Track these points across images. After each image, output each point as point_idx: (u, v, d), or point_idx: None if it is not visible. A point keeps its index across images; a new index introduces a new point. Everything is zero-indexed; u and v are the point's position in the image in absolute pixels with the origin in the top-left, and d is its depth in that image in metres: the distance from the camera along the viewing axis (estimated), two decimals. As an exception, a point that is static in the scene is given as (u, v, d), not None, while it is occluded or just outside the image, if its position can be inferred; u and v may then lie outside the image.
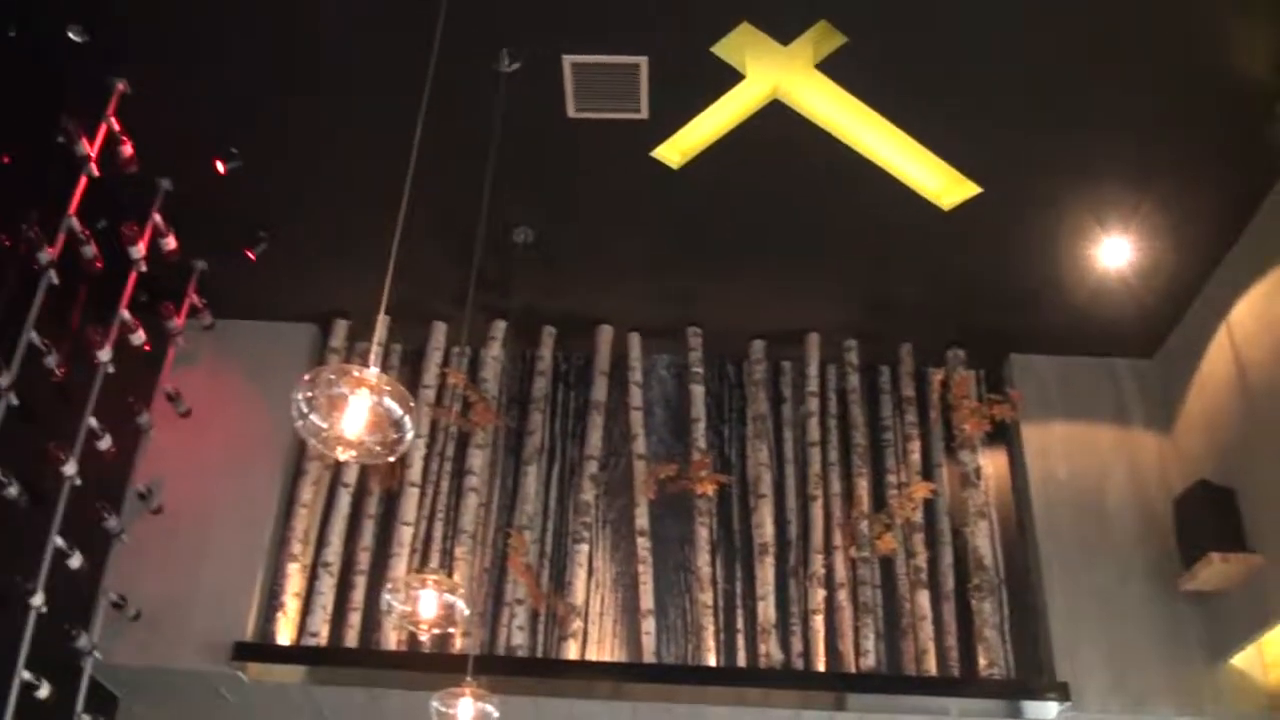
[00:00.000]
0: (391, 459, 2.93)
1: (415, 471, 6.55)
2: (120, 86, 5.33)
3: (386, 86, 5.14)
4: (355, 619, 6.26)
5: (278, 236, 6.21)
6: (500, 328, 6.88)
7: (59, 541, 5.33)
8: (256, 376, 6.76)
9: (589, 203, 5.96)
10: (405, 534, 6.42)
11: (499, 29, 4.91)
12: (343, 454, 2.85)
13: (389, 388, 2.75)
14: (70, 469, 5.38)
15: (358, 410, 2.74)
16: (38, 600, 5.13)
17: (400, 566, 6.32)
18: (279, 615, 6.16)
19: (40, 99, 5.36)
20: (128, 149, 5.41)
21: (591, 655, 6.30)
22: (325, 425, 2.76)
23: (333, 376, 2.75)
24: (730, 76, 5.09)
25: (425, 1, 4.31)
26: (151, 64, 5.26)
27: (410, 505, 6.49)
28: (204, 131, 5.61)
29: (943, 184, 5.63)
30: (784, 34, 4.87)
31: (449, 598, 4.24)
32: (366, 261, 6.18)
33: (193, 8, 4.95)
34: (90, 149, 5.22)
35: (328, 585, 6.30)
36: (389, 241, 5.86)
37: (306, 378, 2.71)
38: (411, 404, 2.77)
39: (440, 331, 6.95)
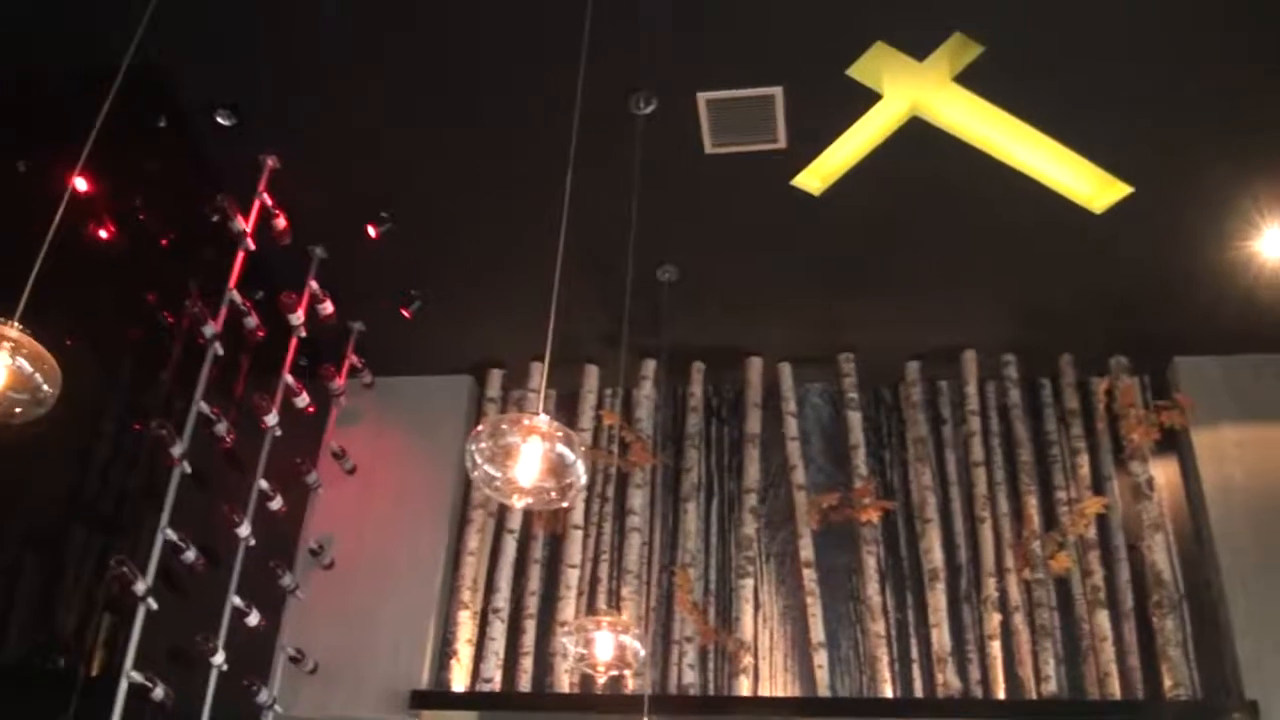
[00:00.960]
0: (565, 504, 2.95)
1: (578, 514, 6.59)
2: (270, 162, 5.56)
3: (527, 139, 5.26)
4: (527, 663, 6.31)
5: (430, 293, 6.37)
6: (650, 366, 6.92)
7: (237, 601, 5.52)
8: (417, 430, 6.92)
9: (732, 236, 5.96)
10: (572, 576, 6.46)
11: (633, 74, 4.96)
12: (518, 501, 2.88)
13: (560, 433, 2.78)
14: (244, 530, 5.58)
15: (531, 457, 2.78)
16: (219, 658, 5.31)
17: (568, 609, 6.37)
18: (453, 662, 6.25)
19: (194, 181, 5.61)
20: (281, 221, 5.63)
21: (764, 691, 6.22)
22: (499, 474, 2.80)
23: (504, 425, 2.79)
24: (867, 97, 5.03)
25: (563, 53, 4.38)
26: (299, 138, 5.46)
27: (575, 548, 6.53)
28: (353, 198, 5.80)
29: (1093, 187, 5.46)
30: (919, 50, 4.80)
31: (624, 638, 4.24)
32: (518, 311, 6.40)
33: (334, 82, 5.13)
34: (246, 224, 5.44)
35: (499, 631, 6.37)
36: (538, 291, 5.99)
37: (480, 428, 2.76)
38: (583, 447, 2.79)
39: (592, 375, 7.02)
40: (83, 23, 4.92)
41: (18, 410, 2.81)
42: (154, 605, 4.84)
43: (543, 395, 3.19)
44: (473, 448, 2.76)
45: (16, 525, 6.59)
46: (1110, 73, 4.86)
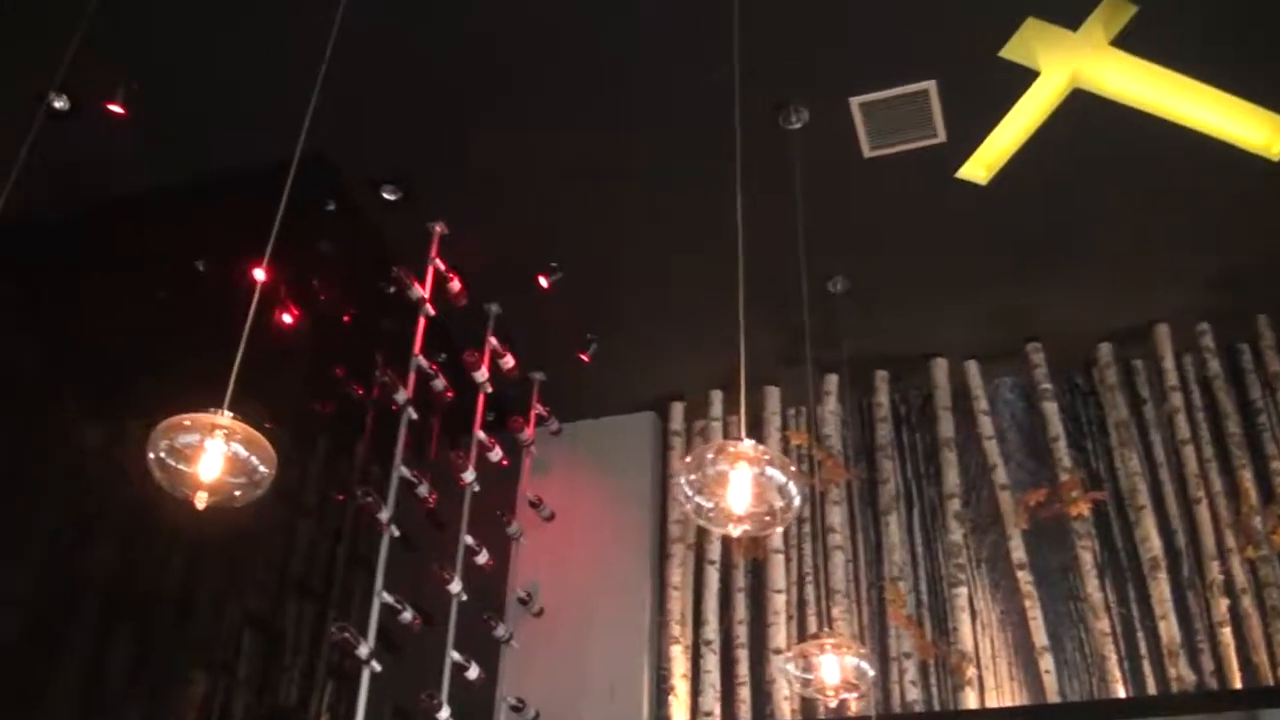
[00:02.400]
0: (780, 527, 2.90)
1: (777, 538, 6.50)
2: (438, 229, 5.75)
3: (684, 171, 5.29)
4: (745, 693, 6.23)
5: (606, 335, 6.44)
6: (832, 381, 6.80)
7: (456, 656, 5.63)
8: (607, 470, 6.97)
9: (901, 238, 5.84)
10: (778, 601, 6.37)
11: (782, 89, 4.93)
12: (735, 529, 2.84)
13: (767, 456, 2.74)
14: (455, 586, 5.69)
15: (741, 484, 2.74)
16: (444, 714, 5.40)
17: (779, 635, 6.27)
18: (670, 698, 6.23)
19: (367, 256, 5.81)
20: (456, 284, 5.80)
21: (991, 702, 5.99)
22: (711, 504, 2.77)
23: (711, 455, 2.77)
24: (1024, 77, 4.88)
25: (711, 79, 4.38)
26: (462, 202, 5.62)
27: (778, 572, 6.44)
28: (521, 251, 5.91)
29: (1268, 133, 5.13)
30: (1071, 19, 4.64)
31: (850, 659, 4.15)
32: (692, 342, 6.44)
33: (489, 144, 5.27)
34: (423, 291, 5.60)
35: (712, 663, 6.32)
36: (710, 320, 6.00)
37: (687, 460, 2.74)
38: (793, 468, 2.74)
39: (773, 396, 6.95)
40: (244, 122, 5.16)
41: (237, 494, 2.91)
42: (377, 667, 4.95)
43: (743, 420, 3.14)
44: (682, 480, 2.74)
45: (235, 604, 6.89)
46: (1269, 8, 4.58)
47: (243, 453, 2.80)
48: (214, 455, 2.80)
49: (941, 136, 5.18)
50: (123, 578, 7.09)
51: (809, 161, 5.09)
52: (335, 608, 6.51)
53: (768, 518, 2.82)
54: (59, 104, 4.99)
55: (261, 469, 2.84)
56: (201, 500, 2.82)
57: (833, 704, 5.52)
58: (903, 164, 5.31)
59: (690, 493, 2.76)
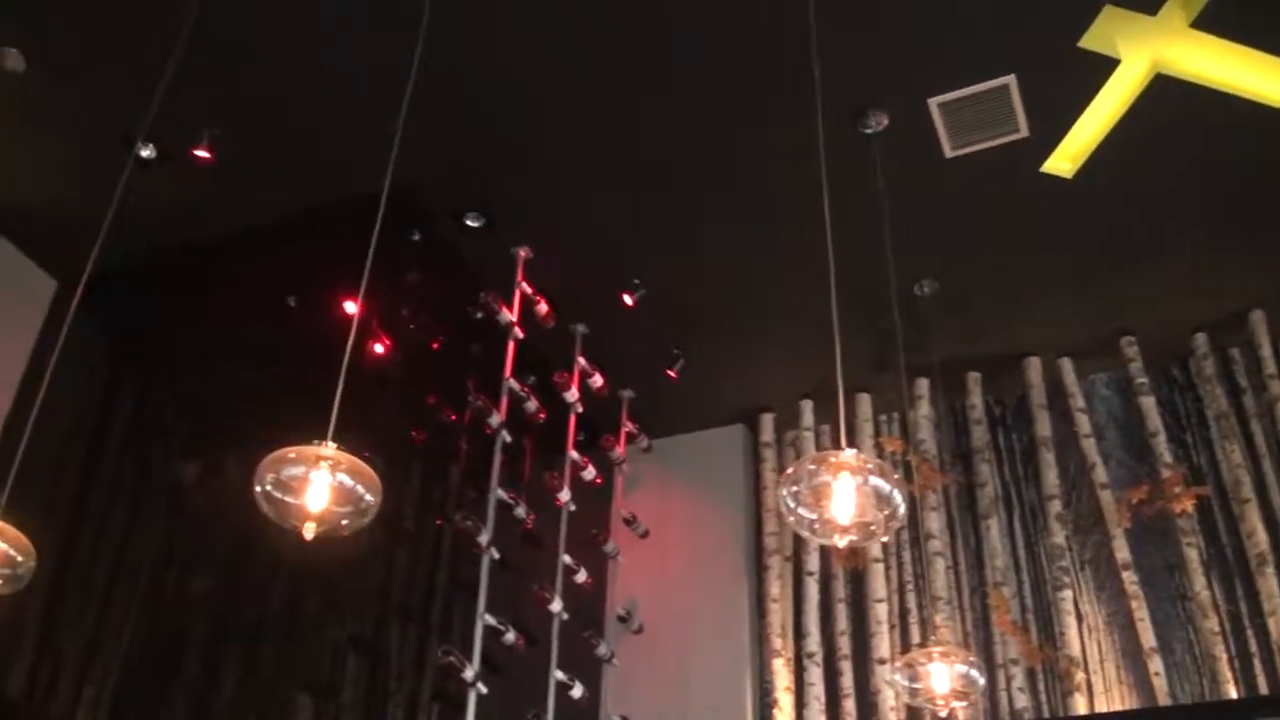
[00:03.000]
0: (885, 537, 2.87)
1: (877, 547, 6.43)
2: (523, 253, 5.81)
3: (765, 184, 5.28)
4: (850, 705, 6.16)
5: (692, 349, 6.44)
6: (924, 385, 6.72)
7: (560, 675, 5.65)
8: (700, 485, 6.97)
9: (987, 237, 5.75)
10: (880, 611, 6.30)
11: (859, 96, 4.91)
12: (841, 540, 2.81)
13: (870, 465, 2.71)
14: (556, 606, 5.72)
15: (845, 494, 2.71)
16: (552, 733, 5.44)
17: (882, 645, 6.20)
18: (774, 712, 6.18)
19: (454, 283, 5.90)
20: (543, 307, 5.86)
21: (1100, 707, 5.84)
22: (815, 516, 2.75)
23: (812, 466, 2.75)
24: (1104, 66, 4.79)
25: (791, 91, 4.39)
26: (544, 225, 5.69)
27: (878, 581, 6.37)
28: (605, 270, 5.95)
29: (1359, 104, 5.00)
30: (1150, 4, 4.55)
31: (959, 667, 4.08)
32: (780, 353, 6.42)
33: (569, 167, 5.32)
34: (511, 315, 5.66)
35: (816, 675, 6.25)
36: (798, 330, 5.97)
37: (789, 472, 2.72)
38: (897, 476, 2.71)
39: (865, 403, 6.88)
40: (325, 161, 5.28)
41: (344, 523, 2.96)
42: (484, 689, 4.98)
43: (843, 429, 3.11)
44: (784, 493, 2.73)
45: (338, 630, 7.00)
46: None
47: (348, 482, 2.85)
48: (320, 486, 2.84)
49: (1024, 131, 5.10)
50: (227, 607, 7.26)
51: (890, 165, 5.05)
52: (437, 631, 6.59)
53: (874, 528, 2.79)
54: (146, 153, 5.14)
55: (367, 497, 2.88)
56: (310, 531, 2.87)
57: (942, 714, 5.41)
58: (985, 161, 5.24)
59: (793, 504, 2.74)
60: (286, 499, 2.87)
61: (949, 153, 5.20)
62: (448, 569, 6.92)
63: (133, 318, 6.50)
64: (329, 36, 4.78)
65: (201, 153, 5.25)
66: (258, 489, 2.85)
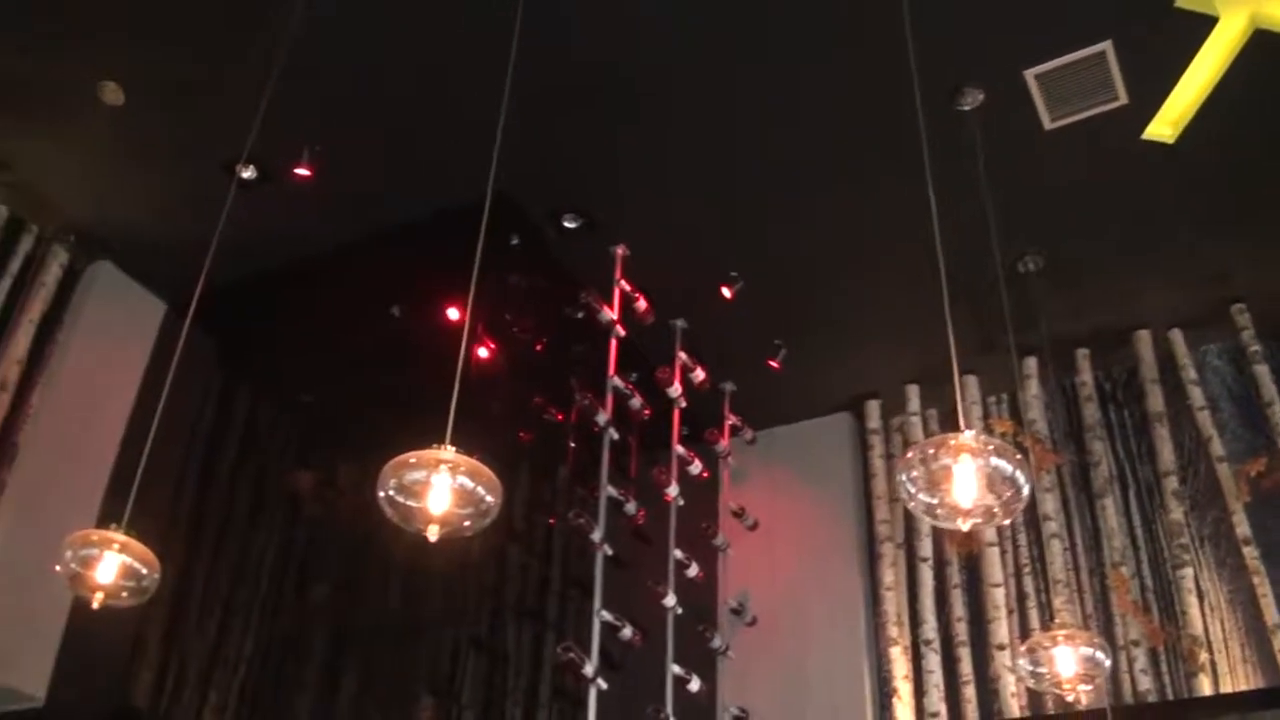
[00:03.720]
0: (1007, 520, 2.82)
1: (991, 531, 6.32)
2: (620, 251, 5.82)
3: (863, 167, 5.23)
4: (970, 692, 6.08)
5: (793, 339, 6.41)
6: (1031, 364, 6.57)
7: (677, 669, 5.66)
8: (807, 475, 6.94)
9: (1090, 208, 5.62)
10: (997, 595, 6.20)
11: (953, 70, 4.84)
12: (964, 524, 2.77)
13: (990, 446, 2.67)
14: (670, 600, 5.73)
15: (966, 476, 2.68)
16: (671, 728, 5.44)
17: (1000, 630, 6.10)
18: (894, 701, 6.13)
19: (553, 285, 5.95)
20: (642, 303, 5.87)
21: (1225, 687, 5.67)
22: (936, 500, 2.72)
23: (932, 450, 2.71)
24: (1202, 25, 4.63)
25: (886, 73, 4.34)
26: (640, 222, 5.71)
27: (994, 565, 6.27)
28: (702, 264, 5.95)
29: None
30: (1245, -44, 4.42)
31: (1085, 650, 4.00)
32: (882, 338, 6.35)
33: (663, 163, 5.34)
34: (612, 313, 5.68)
35: (934, 663, 6.19)
36: (901, 313, 5.91)
37: (908, 456, 2.69)
38: (1019, 456, 2.66)
39: (972, 386, 6.76)
40: (421, 172, 5.38)
41: (466, 524, 3.00)
42: (603, 685, 5.01)
43: (960, 410, 3.07)
44: (904, 478, 2.70)
45: (454, 630, 7.11)
46: None
47: (469, 484, 2.89)
48: (441, 489, 2.89)
49: (1123, 98, 4.99)
50: (345, 611, 7.42)
51: (989, 141, 4.99)
52: (553, 628, 6.66)
53: (996, 510, 2.75)
54: (247, 174, 5.27)
55: (488, 498, 2.92)
56: (433, 533, 2.91)
57: (1069, 698, 5.30)
58: (1085, 131, 5.14)
59: (912, 490, 2.71)
60: (409, 503, 2.92)
61: (1048, 125, 5.11)
62: (560, 567, 6.98)
63: (241, 333, 6.67)
64: (422, 46, 4.86)
65: (302, 170, 5.37)
66: (381, 494, 2.90)
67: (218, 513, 7.02)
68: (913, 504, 2.74)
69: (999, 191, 5.05)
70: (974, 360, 6.54)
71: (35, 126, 5.49)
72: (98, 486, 6.01)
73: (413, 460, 2.89)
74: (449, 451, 2.92)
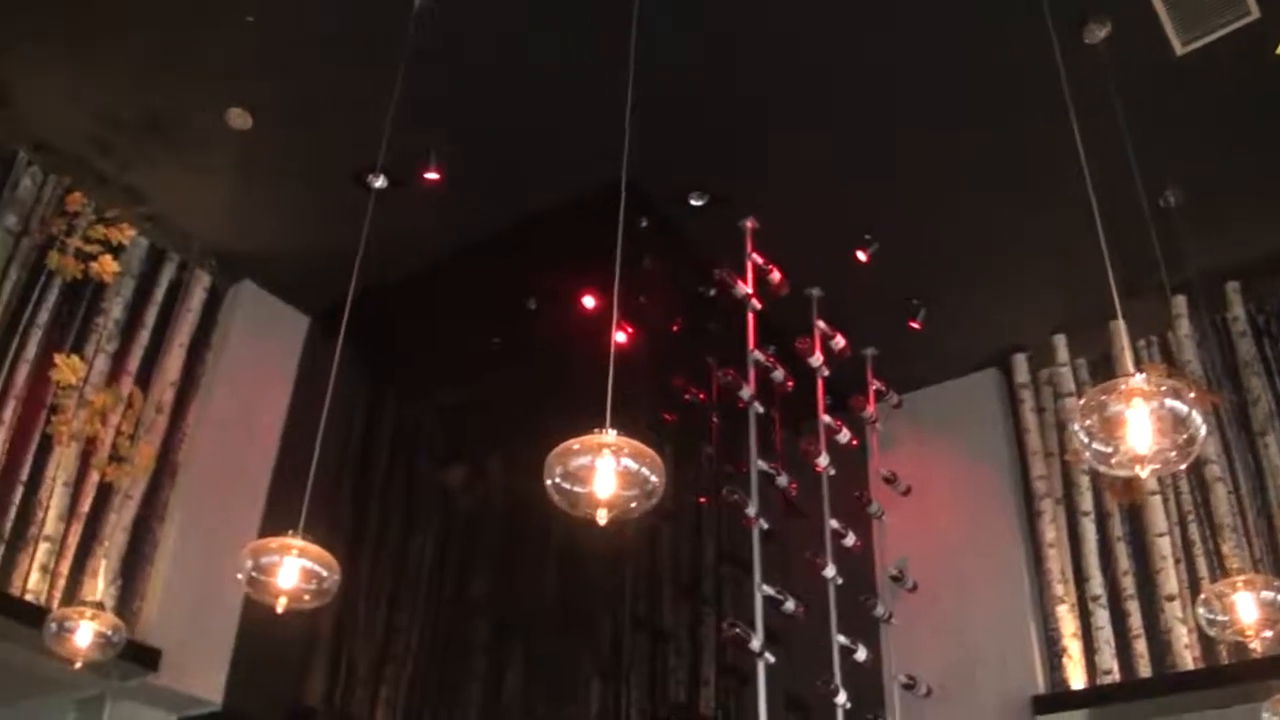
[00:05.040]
0: (1184, 464, 2.74)
1: (1152, 480, 6.12)
2: (749, 224, 5.82)
3: (996, 111, 5.12)
4: (1141, 646, 5.89)
5: (932, 298, 6.32)
6: (1181, 303, 6.30)
7: (842, 639, 5.65)
8: (957, 435, 6.84)
9: (1229, 135, 5.36)
10: (1163, 545, 6.00)
11: (1079, 4, 4.69)
12: (1143, 471, 2.70)
13: (1164, 387, 2.60)
14: (829, 571, 5.74)
15: (1141, 421, 2.61)
16: (842, 698, 5.43)
17: (1169, 581, 5.90)
18: (1064, 660, 6.00)
19: (685, 264, 5.96)
20: (776, 275, 5.85)
21: None
22: (1111, 449, 2.65)
23: (1103, 397, 2.65)
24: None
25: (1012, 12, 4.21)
26: (767, 193, 5.68)
27: (1157, 515, 6.07)
28: (834, 229, 5.89)
29: None
30: None
31: (1266, 593, 3.87)
32: (1025, 288, 6.20)
33: (786, 130, 5.30)
34: (746, 287, 5.67)
35: (1103, 619, 6.02)
36: (1042, 261, 5.77)
37: (1081, 403, 2.64)
38: (1192, 395, 2.59)
39: (1119, 331, 6.53)
40: (548, 162, 5.44)
41: (633, 505, 3.03)
42: (771, 659, 5.02)
43: (1127, 353, 3.00)
44: (1077, 427, 2.64)
45: (612, 612, 7.18)
46: None
47: (633, 465, 2.92)
48: (606, 473, 2.93)
49: (1256, 13, 4.75)
50: (505, 601, 7.56)
51: (1120, 73, 4.80)
52: (714, 605, 6.69)
53: (1173, 454, 2.67)
54: (379, 183, 5.40)
55: (652, 479, 2.96)
56: (602, 516, 2.96)
57: (1253, 644, 5.10)
58: (1218, 53, 4.91)
59: (1086, 440, 2.65)
60: (576, 489, 2.97)
61: (1179, 49, 4.91)
62: (715, 543, 7.00)
63: (383, 337, 6.83)
64: (538, 35, 4.91)
65: (431, 175, 5.48)
66: (548, 482, 2.96)
67: (376, 514, 7.22)
68: (1087, 454, 2.68)
69: (1134, 124, 4.86)
70: (1121, 303, 6.33)
71: (166, 157, 5.72)
72: (257, 498, 6.25)
73: (576, 446, 2.94)
74: (611, 435, 2.96)
